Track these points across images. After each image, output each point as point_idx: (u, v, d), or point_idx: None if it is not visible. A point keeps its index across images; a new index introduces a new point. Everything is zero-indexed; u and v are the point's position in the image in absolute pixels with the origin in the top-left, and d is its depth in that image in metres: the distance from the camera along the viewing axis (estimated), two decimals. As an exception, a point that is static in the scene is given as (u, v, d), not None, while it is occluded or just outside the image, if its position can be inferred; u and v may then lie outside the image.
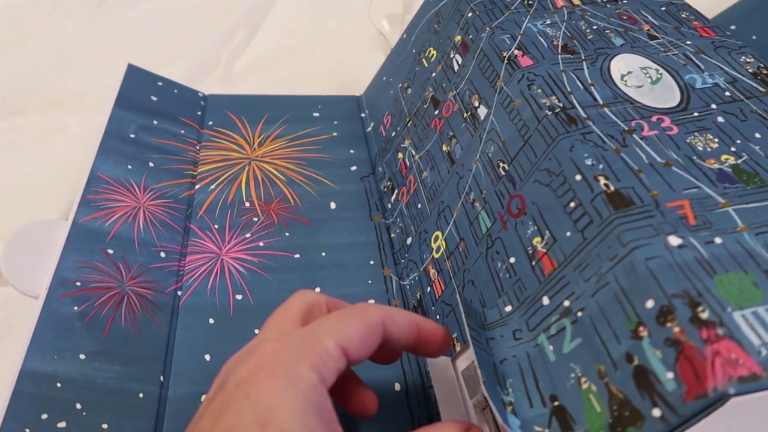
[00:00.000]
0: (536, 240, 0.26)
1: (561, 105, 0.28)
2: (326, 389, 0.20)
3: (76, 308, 0.29)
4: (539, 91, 0.29)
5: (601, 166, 0.25)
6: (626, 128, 0.27)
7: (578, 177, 0.25)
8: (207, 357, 0.30)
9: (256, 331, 0.32)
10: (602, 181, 0.24)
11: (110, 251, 0.32)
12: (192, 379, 0.29)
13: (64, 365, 0.27)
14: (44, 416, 0.25)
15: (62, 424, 0.25)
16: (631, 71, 0.31)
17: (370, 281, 0.36)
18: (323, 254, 0.37)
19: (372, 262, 0.37)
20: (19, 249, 0.31)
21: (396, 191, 0.41)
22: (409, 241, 0.37)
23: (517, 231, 0.27)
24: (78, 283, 0.30)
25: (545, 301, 0.24)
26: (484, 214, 0.30)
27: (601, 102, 0.29)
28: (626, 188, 0.23)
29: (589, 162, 0.25)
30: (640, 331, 0.20)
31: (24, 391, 0.25)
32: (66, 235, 0.32)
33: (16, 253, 0.31)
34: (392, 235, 0.39)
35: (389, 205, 0.41)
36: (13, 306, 0.38)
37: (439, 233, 0.34)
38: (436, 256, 0.33)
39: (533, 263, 0.25)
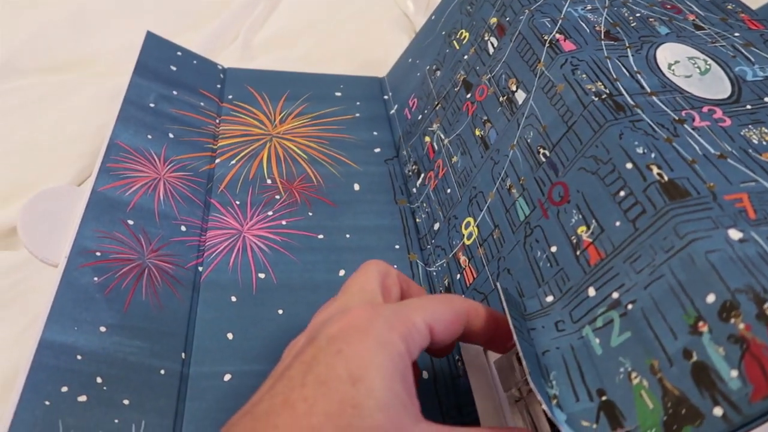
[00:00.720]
0: (581, 229, 0.25)
1: (607, 91, 0.27)
2: (410, 361, 0.21)
3: (96, 279, 0.28)
4: (584, 76, 0.28)
5: (653, 155, 0.24)
6: (677, 118, 0.26)
7: (629, 165, 0.24)
8: (229, 336, 0.29)
9: (280, 312, 0.31)
10: (655, 170, 0.23)
11: (130, 222, 0.31)
12: (214, 358, 0.28)
13: (85, 337, 0.26)
14: (64, 389, 0.24)
15: (83, 398, 0.24)
16: (678, 60, 0.30)
17: (395, 266, 0.35)
18: (347, 236, 0.36)
19: (397, 247, 0.36)
20: (37, 215, 0.30)
21: (422, 175, 0.40)
22: (436, 226, 0.36)
23: (560, 219, 0.26)
24: (98, 253, 0.29)
25: (591, 292, 0.23)
26: (521, 201, 0.29)
27: (649, 90, 0.28)
28: (681, 178, 0.23)
29: (640, 150, 0.24)
30: (700, 327, 0.19)
31: (43, 362, 0.24)
32: (85, 203, 0.31)
33: (34, 220, 0.30)
34: (417, 220, 0.38)
35: (414, 190, 0.40)
36: (23, 270, 0.37)
37: (470, 219, 0.33)
38: (468, 242, 0.33)
39: (578, 253, 0.25)
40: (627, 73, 0.28)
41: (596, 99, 0.27)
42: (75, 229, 0.29)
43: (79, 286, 0.27)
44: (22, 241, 0.28)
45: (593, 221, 0.24)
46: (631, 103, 0.27)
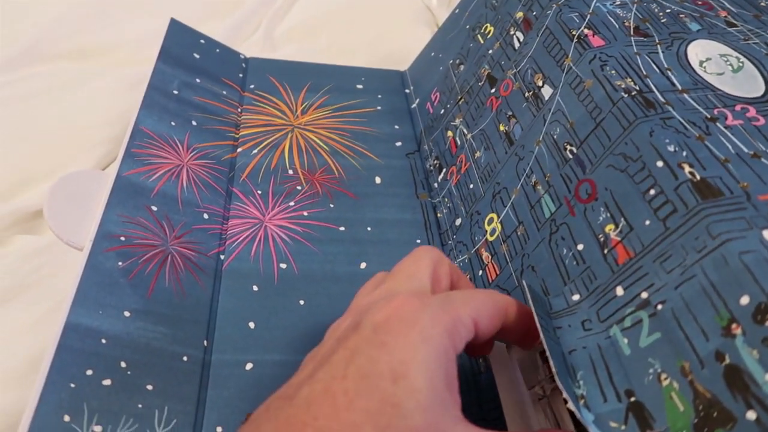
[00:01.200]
0: (609, 227, 0.25)
1: (637, 88, 0.27)
2: (454, 355, 0.20)
3: (120, 264, 0.28)
4: (613, 72, 0.28)
5: (684, 154, 0.23)
6: (709, 116, 0.25)
7: (660, 163, 0.23)
8: (251, 324, 0.30)
9: (301, 303, 0.31)
10: (687, 168, 0.23)
11: (154, 208, 0.32)
12: (235, 346, 0.29)
13: (109, 322, 0.26)
14: (89, 372, 0.24)
15: (107, 382, 0.24)
16: (710, 58, 0.29)
17: (416, 260, 0.35)
18: (369, 229, 0.36)
19: (418, 241, 0.36)
20: (63, 199, 0.30)
21: (444, 170, 0.40)
22: (458, 222, 0.36)
23: (587, 217, 0.26)
24: (122, 238, 0.29)
25: (619, 291, 0.23)
26: (547, 198, 0.29)
27: (680, 87, 0.27)
28: (713, 177, 0.22)
29: (671, 148, 0.24)
30: (733, 329, 0.18)
31: (69, 345, 0.24)
32: (110, 187, 0.31)
33: (60, 203, 0.30)
34: (439, 215, 0.38)
35: (435, 184, 0.40)
36: (47, 254, 0.37)
37: (494, 215, 0.33)
38: (491, 238, 0.32)
39: (605, 251, 0.24)
40: (657, 70, 0.28)
41: (626, 95, 0.26)
42: (100, 213, 0.30)
43: (104, 271, 0.27)
44: (48, 223, 0.29)
45: (622, 219, 0.24)
46: (662, 100, 0.26)
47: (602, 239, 0.25)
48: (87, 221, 0.29)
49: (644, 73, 0.28)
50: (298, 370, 0.21)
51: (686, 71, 0.28)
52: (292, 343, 0.29)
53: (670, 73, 0.28)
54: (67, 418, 0.22)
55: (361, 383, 0.18)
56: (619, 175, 0.25)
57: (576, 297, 0.25)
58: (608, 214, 0.25)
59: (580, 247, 0.26)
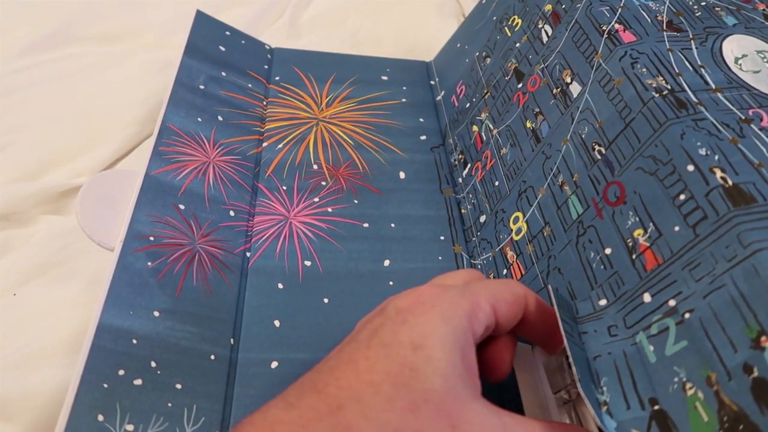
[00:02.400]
0: (638, 232, 0.24)
1: (669, 87, 0.26)
2: (473, 339, 0.21)
3: (149, 264, 0.29)
4: (644, 70, 0.27)
5: (716, 157, 0.23)
6: (743, 117, 0.25)
7: (690, 167, 0.23)
8: (276, 323, 0.30)
9: (326, 301, 0.31)
10: (718, 173, 0.22)
11: (181, 207, 0.32)
12: (261, 345, 0.29)
13: (140, 322, 0.27)
14: (121, 372, 0.25)
15: (138, 382, 0.25)
16: (746, 54, 0.28)
17: (440, 257, 0.35)
18: (392, 225, 0.36)
19: (442, 238, 0.36)
20: (93, 200, 0.31)
21: (469, 165, 0.39)
22: (483, 219, 0.36)
23: (615, 221, 0.26)
24: (151, 238, 0.30)
25: (647, 298, 0.23)
26: (574, 199, 0.29)
27: (713, 86, 0.26)
28: (746, 183, 0.22)
29: (702, 152, 0.23)
30: (762, 341, 0.18)
31: (102, 345, 0.25)
32: (139, 187, 0.32)
33: (91, 204, 0.31)
34: (463, 211, 0.38)
35: (460, 180, 0.40)
36: (73, 235, 0.38)
37: (519, 214, 0.33)
38: (516, 238, 0.32)
39: (633, 257, 0.24)
40: (690, 68, 0.27)
41: (657, 95, 0.26)
42: (129, 213, 0.30)
43: (134, 271, 0.28)
44: (79, 224, 0.29)
45: (651, 225, 0.24)
46: (694, 100, 0.26)
47: (631, 244, 0.24)
48: (117, 221, 0.30)
49: (677, 71, 0.27)
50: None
51: (720, 69, 0.27)
52: (317, 342, 0.29)
53: (703, 71, 0.27)
54: (101, 417, 0.23)
55: (382, 350, 0.20)
56: (649, 179, 0.25)
57: (603, 302, 0.25)
58: (637, 219, 0.24)
59: (608, 251, 0.25)
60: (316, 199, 0.36)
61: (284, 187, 0.37)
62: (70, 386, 0.23)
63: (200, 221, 0.32)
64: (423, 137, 0.43)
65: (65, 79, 0.51)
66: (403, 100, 0.46)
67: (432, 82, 0.49)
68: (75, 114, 0.48)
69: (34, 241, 0.38)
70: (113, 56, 0.54)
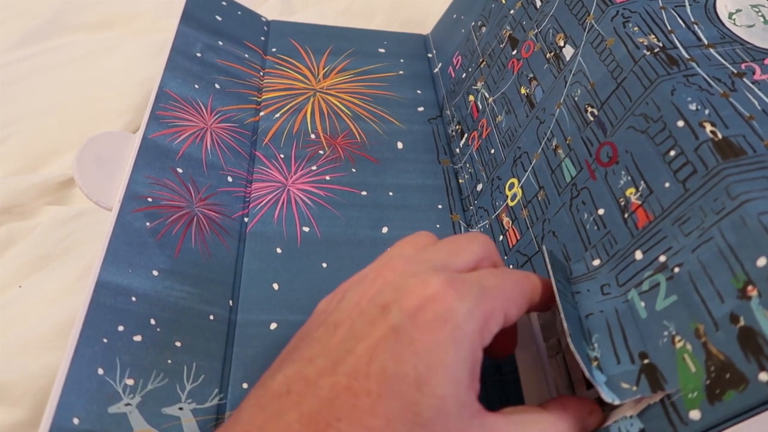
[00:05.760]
0: (630, 191, 0.24)
1: (661, 44, 0.26)
2: (481, 352, 0.20)
3: (148, 224, 0.29)
4: (636, 29, 0.27)
5: (707, 112, 0.23)
6: (735, 71, 0.24)
7: (680, 123, 0.23)
8: (275, 286, 0.30)
9: (324, 266, 0.32)
10: (708, 127, 0.22)
11: (179, 170, 0.32)
12: (260, 307, 0.30)
13: (138, 280, 0.27)
14: (120, 328, 0.25)
15: (138, 338, 0.25)
16: (740, 9, 0.28)
17: (438, 225, 0.35)
18: (390, 194, 0.36)
19: (440, 206, 0.36)
20: (91, 159, 0.31)
21: (466, 135, 0.39)
22: (479, 187, 0.36)
23: (608, 181, 0.26)
24: (149, 199, 0.30)
25: (638, 255, 0.23)
26: (568, 162, 0.29)
27: (706, 42, 0.26)
28: (736, 136, 0.21)
29: (693, 107, 0.23)
30: (749, 291, 0.18)
31: (101, 302, 0.25)
32: (137, 149, 0.32)
33: (89, 164, 0.31)
34: (460, 181, 0.38)
35: (457, 150, 0.40)
36: (75, 223, 0.39)
37: (514, 180, 0.33)
38: (511, 204, 0.32)
39: (626, 216, 0.24)
40: (683, 25, 0.27)
41: (648, 53, 0.26)
42: (128, 174, 0.30)
43: (133, 231, 0.28)
44: (77, 183, 0.30)
45: (642, 182, 0.24)
46: (686, 56, 0.25)
47: (623, 203, 0.24)
48: (115, 182, 0.30)
49: (669, 28, 0.27)
50: (314, 328, 0.21)
51: (714, 25, 0.27)
52: (315, 305, 0.30)
53: (696, 28, 0.27)
54: (101, 371, 0.24)
55: (384, 385, 0.18)
56: (640, 137, 0.24)
57: (596, 262, 0.25)
58: (629, 178, 0.24)
59: (601, 211, 0.25)
60: (314, 168, 0.36)
61: (282, 155, 0.37)
62: (69, 342, 0.23)
63: (198, 185, 0.32)
64: (420, 109, 0.43)
65: (60, 69, 0.52)
66: (401, 72, 0.46)
67: (429, 55, 0.49)
68: (71, 103, 0.48)
69: (37, 232, 0.39)
70: (107, 43, 0.54)
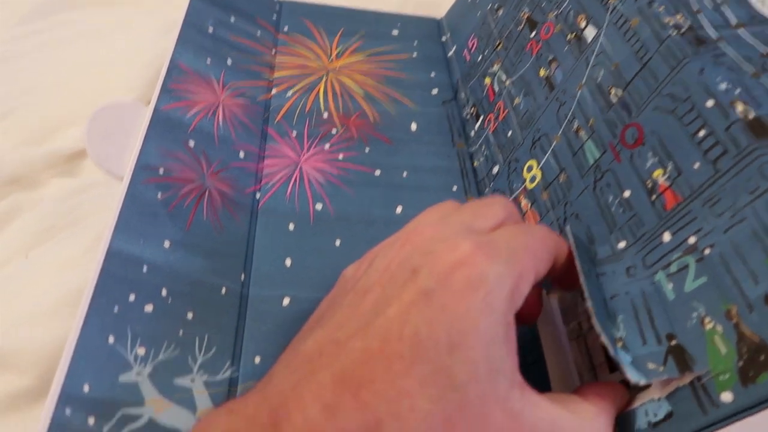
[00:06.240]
0: (657, 173, 0.24)
1: (688, 25, 0.25)
2: (513, 316, 0.20)
3: (159, 195, 0.28)
4: (661, 9, 0.27)
5: (737, 92, 0.22)
6: (765, 52, 0.24)
7: (710, 103, 0.22)
8: (287, 262, 0.30)
9: (337, 243, 0.31)
10: (740, 107, 0.22)
11: (191, 143, 0.32)
12: (273, 282, 0.29)
13: (150, 251, 0.26)
14: (132, 297, 0.25)
15: (149, 308, 0.25)
16: (769, -8, 0.27)
17: (452, 208, 0.34)
18: (404, 174, 0.35)
19: (455, 188, 0.35)
20: (102, 129, 0.31)
21: (481, 118, 0.39)
22: (495, 170, 0.35)
23: (633, 163, 0.25)
24: (161, 171, 0.29)
25: (666, 237, 0.22)
26: (590, 144, 0.28)
27: (734, 23, 0.26)
28: None
29: (723, 87, 0.22)
30: (785, 272, 0.18)
31: (111, 271, 0.25)
32: (148, 120, 0.31)
33: (99, 133, 0.30)
34: (476, 164, 0.38)
35: (472, 133, 0.39)
36: (83, 195, 0.38)
37: (533, 162, 0.32)
38: (530, 186, 0.32)
39: (653, 198, 0.23)
40: (710, 5, 0.26)
41: (674, 33, 0.25)
42: (139, 144, 0.30)
43: (144, 201, 0.28)
44: (87, 151, 0.29)
45: (670, 164, 0.23)
46: (714, 36, 0.25)
47: (650, 185, 0.24)
48: (125, 152, 0.29)
49: (695, 8, 0.26)
50: (342, 295, 0.21)
51: (742, 5, 0.27)
52: (329, 282, 0.29)
53: (724, 8, 0.26)
54: (111, 339, 0.23)
55: (417, 349, 0.18)
56: (667, 118, 0.24)
57: (622, 244, 0.24)
58: (656, 159, 0.24)
59: (626, 194, 0.25)
60: (327, 146, 0.36)
61: (294, 133, 0.36)
62: (79, 310, 0.23)
63: (210, 159, 0.32)
64: (434, 91, 0.42)
65: (69, 44, 0.51)
66: (414, 54, 0.45)
67: (443, 39, 0.48)
68: (80, 77, 0.48)
69: (44, 204, 0.38)
70: (117, 19, 0.53)
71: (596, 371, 0.25)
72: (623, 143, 0.26)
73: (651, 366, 0.20)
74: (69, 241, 0.35)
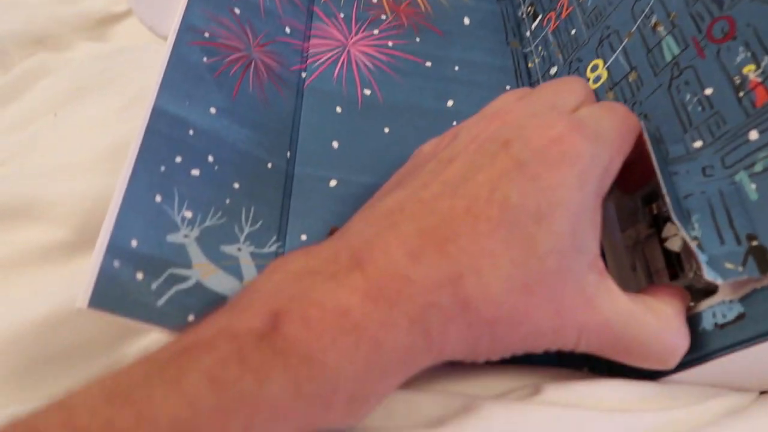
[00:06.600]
0: (748, 68, 0.22)
1: None
2: (602, 199, 0.20)
3: (205, 59, 0.27)
4: None
5: None
6: None
7: None
8: (335, 144, 0.29)
9: (386, 130, 0.30)
10: None
11: (237, 11, 0.30)
12: (319, 162, 0.28)
13: (196, 114, 0.25)
14: (178, 159, 0.23)
15: (195, 172, 0.24)
16: None
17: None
18: (456, 68, 0.33)
19: (508, 87, 0.34)
20: None
21: (540, 17, 0.36)
22: (553, 70, 0.33)
23: (720, 58, 0.23)
24: (206, 34, 0.27)
25: (753, 135, 0.21)
26: (670, 40, 0.26)
27: None
28: None
29: None
30: None
31: (157, 129, 0.23)
32: None
33: None
34: (530, 65, 0.36)
35: (528, 33, 0.37)
36: (113, 60, 0.36)
37: (599, 62, 0.30)
38: (594, 86, 0.30)
39: (741, 94, 0.22)
40: None
41: None
42: (184, 3, 0.28)
43: (189, 63, 0.26)
44: (129, 4, 0.27)
45: (765, 58, 0.21)
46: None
47: (738, 81, 0.22)
48: (170, 11, 0.27)
49: None
50: (422, 164, 0.20)
51: None
52: (378, 168, 0.28)
53: None
54: (158, 198, 0.22)
55: (504, 214, 0.18)
56: (765, 8, 0.22)
57: (698, 144, 0.23)
58: (748, 54, 0.22)
59: (708, 91, 0.23)
60: (376, 32, 0.34)
61: (342, 15, 0.34)
62: (125, 165, 0.21)
63: (256, 31, 0.30)
64: (488, -12, 0.39)
65: None
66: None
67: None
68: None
69: (74, 64, 0.36)
70: None
71: (653, 279, 0.24)
72: (710, 38, 0.24)
73: (729, 266, 0.19)
74: (100, 101, 0.33)
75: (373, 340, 0.16)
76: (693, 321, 0.21)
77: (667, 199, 0.20)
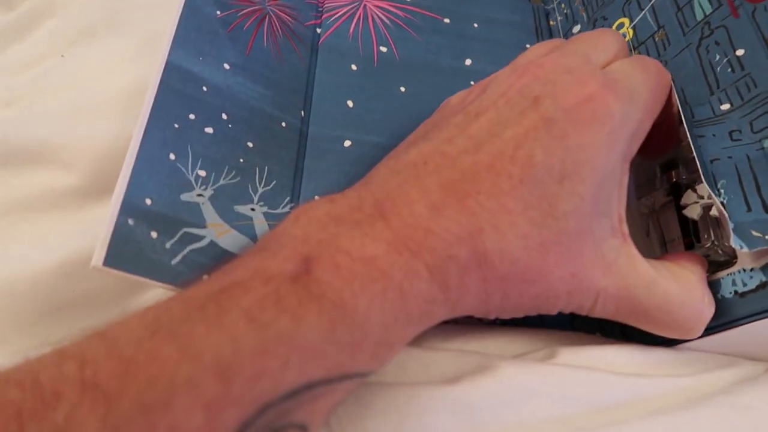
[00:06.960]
0: (784, 29, 0.21)
1: None
2: (629, 161, 0.20)
3: (218, 12, 0.26)
4: None
5: None
6: None
7: None
8: (349, 103, 0.28)
9: (402, 89, 0.29)
10: None
11: None
12: (334, 122, 0.27)
13: (209, 70, 0.24)
14: (192, 116, 0.23)
15: (209, 130, 0.23)
16: None
17: (523, 67, 0.32)
18: (475, 25, 0.32)
19: (527, 46, 0.32)
20: None
21: (563, -28, 0.35)
22: (576, 29, 0.32)
23: (755, 18, 0.22)
24: None
25: (785, 100, 0.20)
26: (701, -2, 0.25)
27: None
28: None
29: None
30: None
31: (171, 84, 0.23)
32: None
33: None
34: (551, 23, 0.34)
35: (550, -11, 0.36)
36: (117, 0, 0.35)
37: (624, 20, 0.29)
38: (618, 45, 0.29)
39: (774, 56, 0.21)
40: None
41: None
42: None
43: (203, 16, 0.25)
44: None
45: (803, 20, 0.20)
46: None
47: (772, 42, 0.21)
48: None
49: None
50: (449, 117, 0.20)
51: None
52: (393, 128, 0.27)
53: None
54: (172, 156, 0.22)
55: (526, 172, 0.17)
56: (808, -31, 0.21)
57: (726, 106, 0.22)
58: (785, 14, 0.21)
59: (739, 52, 0.22)
60: None
61: None
62: (137, 124, 0.21)
63: None
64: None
65: None
66: None
67: None
68: None
69: (81, 2, 0.34)
70: None
71: (667, 249, 0.24)
72: (746, -3, 0.23)
73: (756, 234, 0.19)
74: (111, 42, 0.31)
75: (398, 288, 0.16)
76: (712, 288, 0.21)
77: (698, 163, 0.20)
